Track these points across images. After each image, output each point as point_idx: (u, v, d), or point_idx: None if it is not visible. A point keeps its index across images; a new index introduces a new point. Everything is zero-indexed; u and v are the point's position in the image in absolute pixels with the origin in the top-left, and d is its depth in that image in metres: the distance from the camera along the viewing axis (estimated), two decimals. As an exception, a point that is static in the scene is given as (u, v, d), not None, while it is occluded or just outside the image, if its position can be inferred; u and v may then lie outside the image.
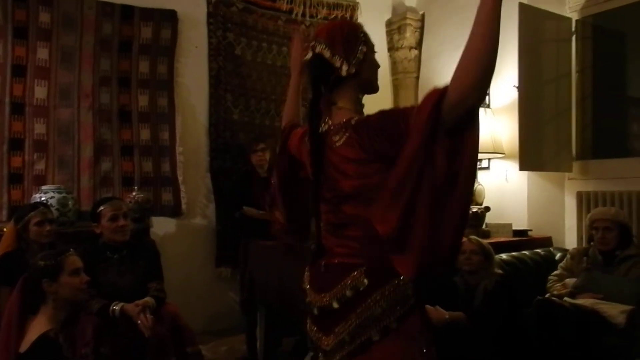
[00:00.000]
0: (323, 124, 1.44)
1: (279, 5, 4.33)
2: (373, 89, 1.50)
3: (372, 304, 1.31)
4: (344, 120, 1.40)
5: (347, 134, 1.37)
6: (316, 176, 1.44)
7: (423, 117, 1.19)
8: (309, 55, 1.47)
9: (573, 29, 3.62)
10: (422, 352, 1.31)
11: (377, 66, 1.49)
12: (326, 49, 1.41)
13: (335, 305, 1.36)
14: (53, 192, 3.27)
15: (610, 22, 3.60)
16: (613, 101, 3.87)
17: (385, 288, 1.31)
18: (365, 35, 1.46)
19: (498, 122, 3.86)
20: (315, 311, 1.42)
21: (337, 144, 1.38)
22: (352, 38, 1.42)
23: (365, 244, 1.36)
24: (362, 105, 1.48)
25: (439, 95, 1.17)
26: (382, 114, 1.34)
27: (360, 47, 1.42)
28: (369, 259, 1.34)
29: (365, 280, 1.32)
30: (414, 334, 1.32)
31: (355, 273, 1.33)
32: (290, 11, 4.38)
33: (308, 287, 1.47)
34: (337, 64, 1.39)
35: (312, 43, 1.46)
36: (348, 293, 1.34)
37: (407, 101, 4.70)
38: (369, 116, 1.39)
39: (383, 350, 1.30)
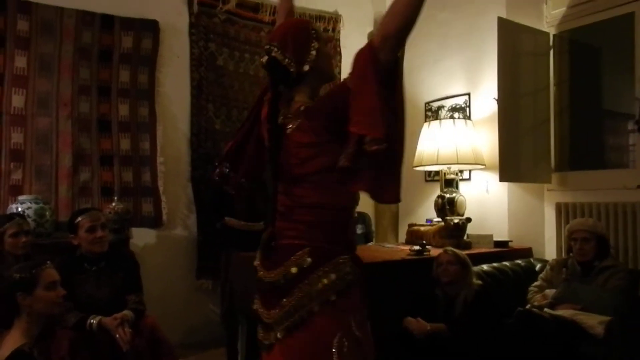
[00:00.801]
0: (281, 118, 1.56)
1: (262, 17, 4.34)
2: (330, 77, 1.65)
3: (315, 279, 1.46)
4: (296, 108, 1.54)
5: (298, 121, 1.51)
6: (274, 164, 1.56)
7: (366, 57, 1.38)
8: (265, 58, 1.57)
9: (551, 43, 3.69)
10: (358, 323, 1.48)
11: (330, 56, 1.64)
12: (279, 52, 1.52)
13: (282, 280, 1.50)
14: (30, 202, 3.20)
15: (586, 37, 3.69)
16: (589, 114, 3.96)
17: (327, 265, 1.47)
18: (316, 31, 1.58)
19: (478, 133, 3.90)
20: (263, 286, 1.57)
21: (289, 131, 1.53)
22: (304, 37, 1.54)
23: (311, 228, 1.51)
24: (317, 95, 1.61)
25: (369, 43, 1.39)
26: (327, 96, 1.52)
27: (312, 44, 1.53)
28: (314, 241, 1.50)
29: (309, 259, 1.47)
30: (350, 307, 1.48)
31: (300, 252, 1.49)
32: (273, 22, 4.37)
33: (258, 263, 1.61)
34: (292, 66, 1.52)
35: (267, 47, 1.56)
36: (293, 270, 1.48)
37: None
38: (316, 100, 1.54)
39: (321, 321, 1.45)
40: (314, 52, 1.52)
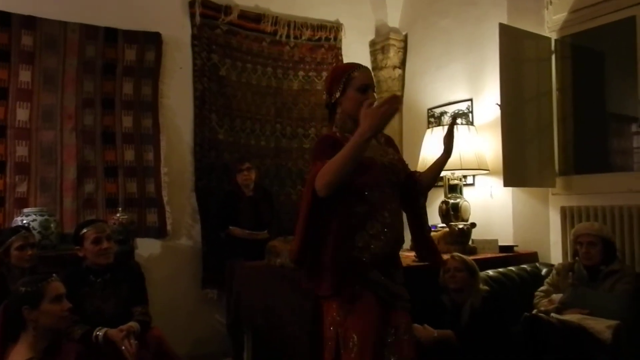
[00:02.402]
0: None
1: (263, 27, 4.36)
2: (353, 119, 1.92)
3: None
4: None
5: None
6: None
7: (308, 194, 1.83)
8: None
9: (552, 48, 3.69)
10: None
11: (355, 100, 1.93)
12: (323, 82, 2.06)
13: None
14: (35, 214, 3.21)
15: (588, 41, 3.68)
16: (593, 118, 3.94)
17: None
18: (349, 77, 1.96)
19: (482, 139, 3.90)
20: None
21: None
22: (337, 79, 1.99)
23: None
24: (351, 129, 1.90)
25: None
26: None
27: (340, 86, 1.96)
28: None
29: None
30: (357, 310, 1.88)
31: None
32: (275, 33, 4.41)
33: None
34: (325, 95, 2.07)
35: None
36: None
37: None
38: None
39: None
40: (338, 93, 1.97)
